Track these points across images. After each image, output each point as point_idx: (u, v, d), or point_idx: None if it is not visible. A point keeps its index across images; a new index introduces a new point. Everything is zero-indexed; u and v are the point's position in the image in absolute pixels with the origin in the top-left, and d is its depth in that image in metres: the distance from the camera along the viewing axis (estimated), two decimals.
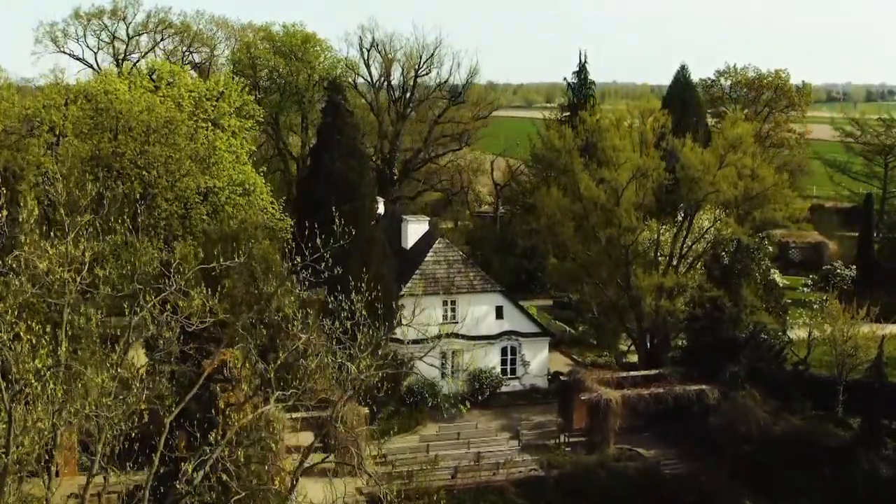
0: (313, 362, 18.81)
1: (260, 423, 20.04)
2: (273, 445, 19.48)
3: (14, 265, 15.69)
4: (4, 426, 14.78)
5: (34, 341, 14.49)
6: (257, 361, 20.15)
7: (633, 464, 49.66)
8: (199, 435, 19.07)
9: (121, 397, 16.33)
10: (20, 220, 15.72)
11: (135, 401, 16.46)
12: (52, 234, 16.72)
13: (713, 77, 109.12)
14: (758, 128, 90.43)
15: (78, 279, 16.06)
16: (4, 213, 16.00)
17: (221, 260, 21.43)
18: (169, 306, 18.45)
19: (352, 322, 19.69)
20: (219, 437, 17.14)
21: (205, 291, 18.02)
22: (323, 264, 20.24)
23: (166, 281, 18.24)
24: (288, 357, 18.90)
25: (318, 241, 20.46)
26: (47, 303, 16.46)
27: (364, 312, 19.78)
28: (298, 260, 20.89)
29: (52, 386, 14.52)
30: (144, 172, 56.71)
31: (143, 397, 16.82)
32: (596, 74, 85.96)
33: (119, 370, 16.12)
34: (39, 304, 16.63)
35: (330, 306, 21.08)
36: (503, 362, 59.48)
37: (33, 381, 14.37)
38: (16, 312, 15.09)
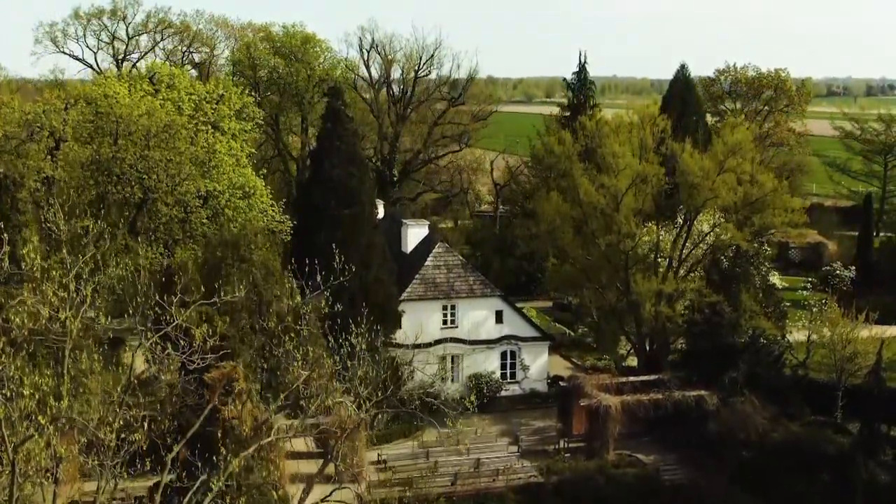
0: (314, 404, 18.95)
1: (261, 455, 20.19)
2: (275, 494, 19.61)
3: (15, 316, 15.74)
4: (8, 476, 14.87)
5: (37, 395, 14.58)
6: (259, 402, 20.28)
7: (633, 470, 49.80)
8: (199, 465, 19.18)
9: (123, 436, 16.42)
10: (22, 265, 15.76)
11: (136, 445, 16.55)
12: (52, 271, 16.72)
13: (713, 76, 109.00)
14: (758, 128, 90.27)
15: (77, 321, 16.10)
16: (7, 258, 16.05)
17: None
18: (170, 345, 18.51)
19: (352, 362, 19.82)
20: (221, 478, 17.23)
21: (205, 330, 18.04)
22: (324, 301, 20.38)
23: (167, 319, 18.29)
24: (289, 395, 19.00)
25: (318, 278, 20.58)
26: (48, 345, 16.54)
27: (364, 346, 19.94)
28: (299, 300, 21.03)
29: (55, 441, 14.65)
30: (144, 176, 56.75)
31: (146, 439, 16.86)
32: (596, 70, 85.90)
33: (119, 423, 16.18)
34: (40, 348, 16.68)
35: (330, 344, 21.21)
36: (503, 366, 59.54)
37: (37, 435, 14.47)
38: (18, 364, 15.19)
